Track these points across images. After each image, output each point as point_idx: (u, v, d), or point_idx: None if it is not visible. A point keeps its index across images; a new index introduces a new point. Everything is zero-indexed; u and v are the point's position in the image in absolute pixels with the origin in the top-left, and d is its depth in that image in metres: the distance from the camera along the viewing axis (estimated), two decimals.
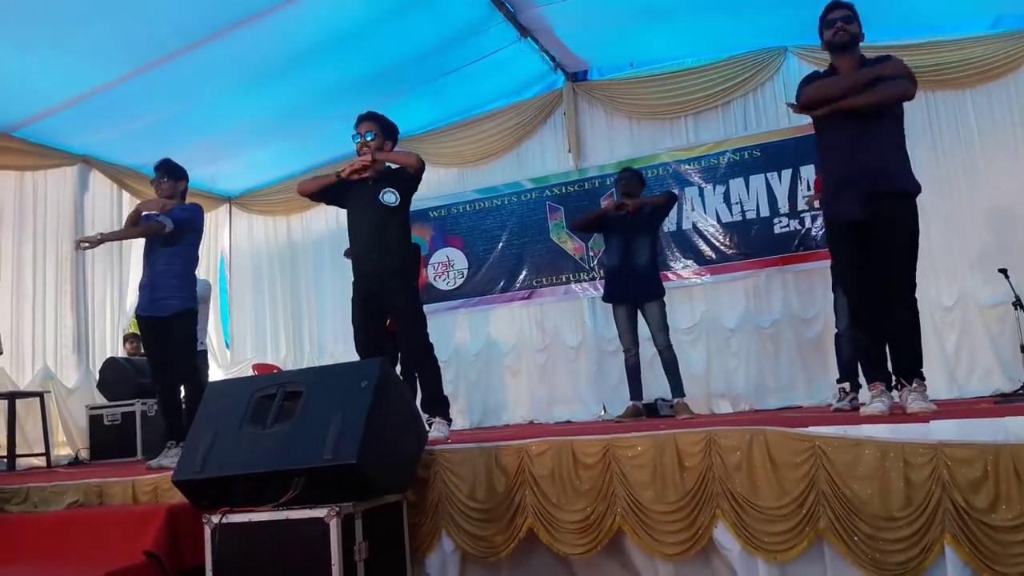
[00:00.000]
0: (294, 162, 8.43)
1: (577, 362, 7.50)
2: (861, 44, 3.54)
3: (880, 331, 3.47)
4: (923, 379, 3.37)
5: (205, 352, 6.72)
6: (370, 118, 4.32)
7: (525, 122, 7.93)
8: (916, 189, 3.42)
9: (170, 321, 4.62)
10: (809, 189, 6.61)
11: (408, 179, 4.32)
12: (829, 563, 2.84)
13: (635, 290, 5.48)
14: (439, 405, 4.18)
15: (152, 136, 6.98)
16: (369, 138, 4.25)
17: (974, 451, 2.63)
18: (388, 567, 3.13)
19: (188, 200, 4.94)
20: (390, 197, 4.24)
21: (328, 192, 4.38)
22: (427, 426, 3.99)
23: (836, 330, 5.05)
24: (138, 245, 7.96)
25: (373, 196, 4.24)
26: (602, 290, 7.10)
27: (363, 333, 4.28)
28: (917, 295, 3.42)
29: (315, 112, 7.23)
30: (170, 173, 4.79)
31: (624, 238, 5.53)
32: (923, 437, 2.74)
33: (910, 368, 3.37)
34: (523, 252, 7.80)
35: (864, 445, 2.77)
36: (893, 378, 3.45)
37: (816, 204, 5.40)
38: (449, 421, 4.21)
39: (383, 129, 4.32)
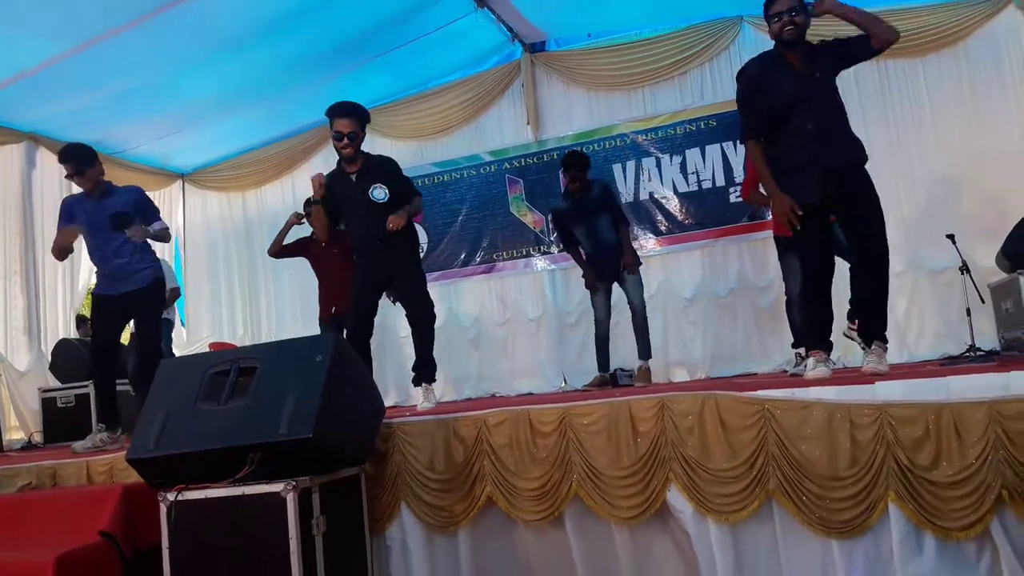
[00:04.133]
0: (249, 136, 8.30)
1: (538, 335, 7.54)
2: None
3: (829, 307, 3.58)
4: (885, 341, 3.48)
5: (171, 323, 6.69)
6: (348, 114, 4.27)
7: (483, 94, 7.87)
8: (865, 157, 3.51)
9: (146, 291, 4.61)
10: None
11: (398, 178, 4.40)
12: (779, 523, 2.92)
13: (611, 267, 5.53)
14: (432, 369, 4.42)
15: (101, 112, 6.83)
16: (353, 139, 4.26)
17: (917, 410, 2.71)
18: (347, 540, 3.14)
19: (130, 177, 4.88)
20: (379, 193, 4.30)
21: (329, 214, 4.43)
22: (420, 390, 4.32)
23: (786, 296, 5.14)
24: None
25: (363, 193, 4.30)
26: (562, 263, 7.15)
27: (358, 305, 4.36)
28: None
29: (269, 86, 7.11)
30: (87, 160, 4.57)
31: (584, 224, 5.58)
32: (869, 398, 2.81)
33: (877, 331, 3.48)
34: (483, 226, 7.79)
35: (812, 407, 2.84)
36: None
37: (757, 199, 5.36)
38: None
39: (362, 125, 4.33)
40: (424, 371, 4.43)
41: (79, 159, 4.54)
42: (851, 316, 4.62)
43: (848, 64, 3.61)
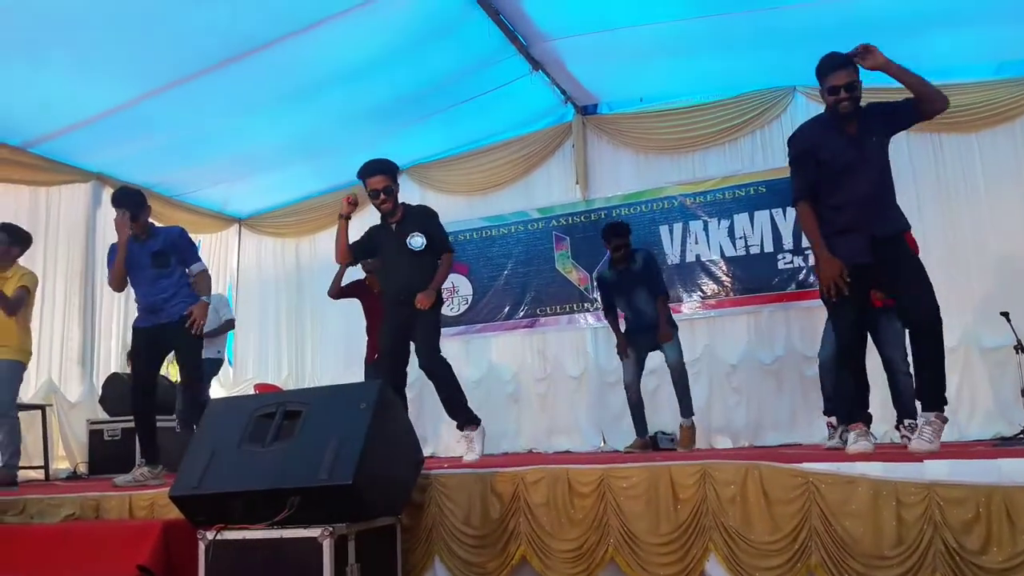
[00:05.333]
0: (306, 185, 8.55)
1: (578, 392, 7.50)
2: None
3: (865, 375, 3.56)
4: (942, 410, 3.39)
5: (220, 362, 6.82)
6: (379, 171, 4.40)
7: (534, 153, 8.02)
8: (908, 226, 3.53)
9: (179, 323, 4.66)
10: None
11: (435, 226, 4.50)
12: None
13: (648, 337, 5.59)
14: (464, 412, 4.44)
15: (165, 155, 7.11)
16: (388, 194, 4.40)
17: (966, 492, 2.64)
18: None
19: (189, 220, 5.03)
20: (417, 241, 4.41)
21: (357, 250, 4.58)
22: (465, 437, 4.37)
23: (819, 360, 5.08)
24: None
25: (400, 241, 4.42)
26: (605, 322, 7.17)
27: (390, 353, 4.44)
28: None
29: (329, 137, 7.34)
30: (141, 205, 4.74)
31: (625, 296, 5.69)
32: (916, 476, 2.75)
33: (934, 399, 3.41)
34: (528, 281, 7.85)
35: (857, 482, 2.78)
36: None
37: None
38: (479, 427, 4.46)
39: (394, 178, 4.48)
40: (457, 416, 4.46)
41: (134, 204, 4.70)
42: (900, 418, 4.58)
43: (899, 129, 3.60)
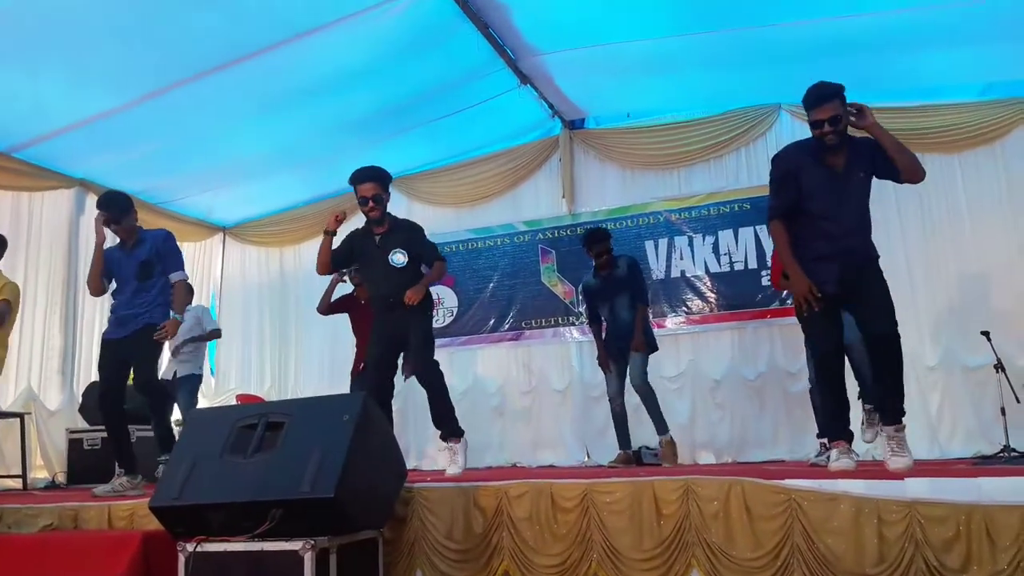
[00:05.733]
0: (292, 194, 8.53)
1: (563, 406, 7.50)
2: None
3: (844, 392, 3.59)
4: (902, 421, 3.39)
5: (200, 376, 6.75)
6: (370, 178, 4.41)
7: (521, 166, 8.04)
8: (877, 255, 3.57)
9: (140, 334, 4.57)
10: None
11: (419, 243, 4.49)
12: None
13: (622, 346, 5.60)
14: (450, 422, 4.41)
15: (150, 163, 7.07)
16: (378, 202, 4.41)
17: (947, 510, 2.66)
18: None
19: (173, 227, 4.96)
20: (398, 258, 4.41)
21: (338, 259, 4.58)
22: (448, 449, 4.35)
23: (809, 384, 5.09)
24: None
25: (382, 256, 4.42)
26: (590, 336, 7.18)
27: (377, 366, 4.44)
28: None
29: (316, 146, 7.33)
30: (124, 210, 4.68)
31: (608, 301, 5.70)
32: (898, 494, 2.76)
33: (894, 411, 3.41)
34: (513, 293, 7.85)
35: (839, 500, 2.80)
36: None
37: (786, 286, 5.38)
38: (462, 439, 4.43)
39: (385, 187, 4.48)
40: (444, 426, 4.44)
41: (117, 208, 4.65)
42: (863, 397, 4.56)
43: (878, 176, 3.61)
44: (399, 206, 7.94)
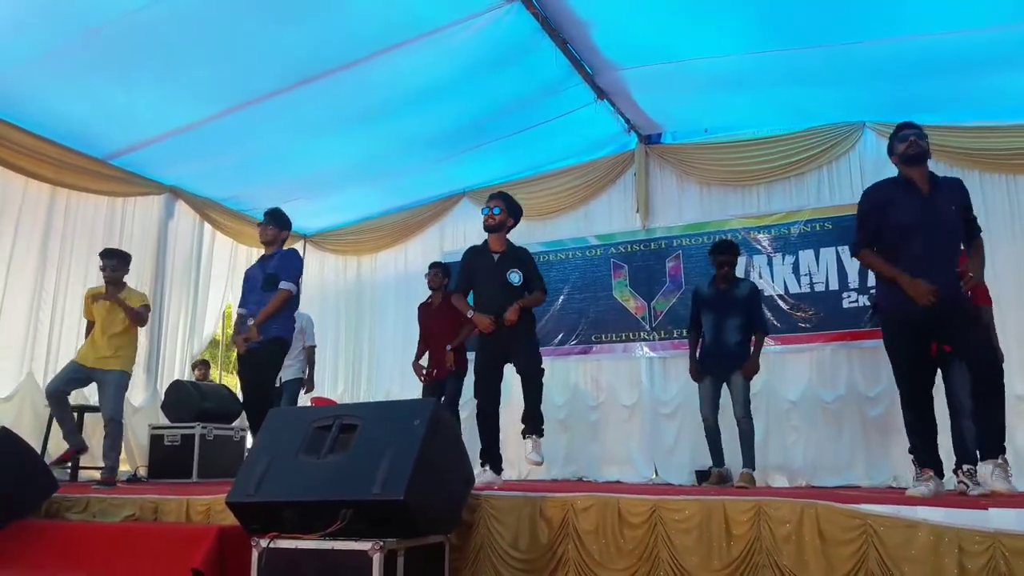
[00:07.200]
0: (372, 205, 8.76)
1: (630, 422, 7.42)
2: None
3: (930, 420, 3.60)
4: (1004, 455, 3.37)
5: (300, 380, 6.95)
6: (501, 196, 4.97)
7: (595, 180, 8.03)
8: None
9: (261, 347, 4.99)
10: None
11: (532, 268, 4.87)
12: None
13: (723, 365, 5.46)
14: (539, 421, 4.69)
15: (236, 172, 7.36)
16: (496, 212, 4.84)
17: None
18: None
19: (256, 234, 5.47)
20: (515, 277, 4.78)
21: (465, 287, 4.98)
22: (532, 440, 4.64)
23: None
24: (217, 276, 8.29)
25: (500, 274, 4.77)
26: (661, 352, 7.09)
27: (484, 380, 4.71)
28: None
29: (396, 159, 7.50)
30: (276, 220, 5.28)
31: (715, 315, 5.55)
32: (981, 524, 2.65)
33: (993, 446, 3.37)
34: (584, 307, 7.82)
35: (918, 527, 2.69)
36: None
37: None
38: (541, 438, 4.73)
39: (509, 208, 4.90)
40: (531, 423, 4.67)
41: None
42: (959, 463, 4.45)
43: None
44: (472, 219, 8.03)
